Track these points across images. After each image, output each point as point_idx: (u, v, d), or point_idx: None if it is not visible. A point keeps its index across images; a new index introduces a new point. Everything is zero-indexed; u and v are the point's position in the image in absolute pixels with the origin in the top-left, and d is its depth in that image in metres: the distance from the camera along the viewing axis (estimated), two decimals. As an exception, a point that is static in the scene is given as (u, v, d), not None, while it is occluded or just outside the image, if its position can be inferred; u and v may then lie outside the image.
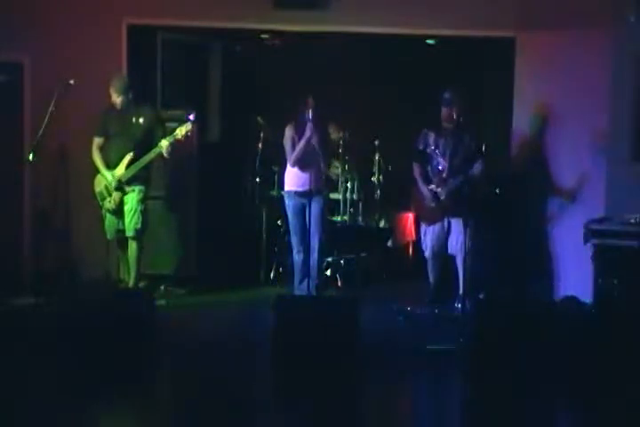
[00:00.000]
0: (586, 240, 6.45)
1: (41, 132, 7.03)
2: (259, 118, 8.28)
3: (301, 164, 7.34)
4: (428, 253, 7.36)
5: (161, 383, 5.72)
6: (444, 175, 7.14)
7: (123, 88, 7.21)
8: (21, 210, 7.85)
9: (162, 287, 7.72)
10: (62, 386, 5.41)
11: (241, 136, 8.87)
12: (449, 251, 7.25)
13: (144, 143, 7.22)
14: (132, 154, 7.19)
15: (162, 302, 7.16)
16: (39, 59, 7.71)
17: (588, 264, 6.49)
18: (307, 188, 7.25)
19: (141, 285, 7.32)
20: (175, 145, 7.14)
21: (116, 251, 7.50)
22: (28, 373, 5.58)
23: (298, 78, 8.61)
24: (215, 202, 8.35)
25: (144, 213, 7.30)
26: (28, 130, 7.71)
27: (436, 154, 7.15)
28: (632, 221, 6.35)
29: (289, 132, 7.40)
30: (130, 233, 7.28)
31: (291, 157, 7.37)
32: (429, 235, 7.32)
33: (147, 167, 7.29)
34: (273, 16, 7.79)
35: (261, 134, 8.25)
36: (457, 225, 7.14)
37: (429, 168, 7.25)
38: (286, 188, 7.52)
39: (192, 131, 7.21)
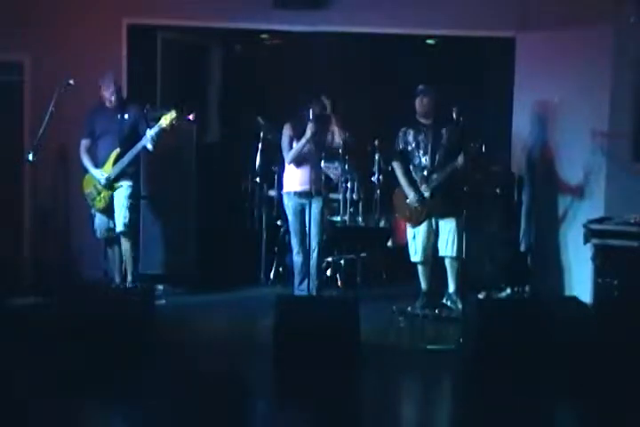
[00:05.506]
0: (586, 240, 6.44)
1: (41, 132, 7.03)
2: (259, 118, 8.27)
3: (301, 163, 7.33)
4: (418, 257, 7.16)
5: (161, 383, 5.71)
6: (426, 172, 7.04)
7: (116, 83, 7.23)
8: (21, 210, 7.84)
9: (161, 287, 7.71)
10: (62, 386, 5.40)
11: (241, 136, 8.87)
12: (439, 253, 7.07)
13: (130, 139, 7.19)
14: (118, 150, 7.18)
15: (162, 302, 7.16)
16: (39, 59, 7.71)
17: (588, 264, 6.49)
18: (306, 188, 7.25)
19: (141, 285, 7.33)
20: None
21: (107, 250, 7.52)
22: (28, 373, 5.58)
23: (298, 78, 8.60)
24: (215, 202, 8.34)
25: (132, 209, 7.27)
26: (27, 130, 7.71)
27: (417, 151, 7.09)
28: (632, 221, 6.35)
29: (287, 130, 7.39)
30: (120, 228, 7.24)
31: (289, 155, 7.35)
32: (418, 237, 7.14)
33: (134, 163, 7.28)
34: (273, 16, 7.79)
35: (261, 134, 8.24)
36: (444, 225, 7.05)
37: (412, 167, 7.14)
38: (285, 188, 7.50)
39: (177, 119, 7.12)
